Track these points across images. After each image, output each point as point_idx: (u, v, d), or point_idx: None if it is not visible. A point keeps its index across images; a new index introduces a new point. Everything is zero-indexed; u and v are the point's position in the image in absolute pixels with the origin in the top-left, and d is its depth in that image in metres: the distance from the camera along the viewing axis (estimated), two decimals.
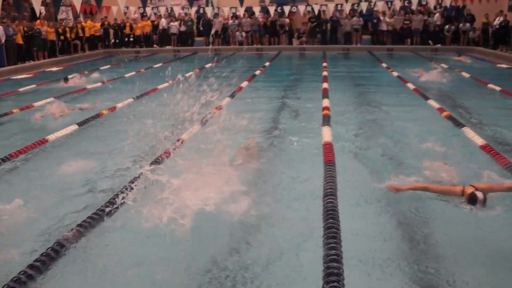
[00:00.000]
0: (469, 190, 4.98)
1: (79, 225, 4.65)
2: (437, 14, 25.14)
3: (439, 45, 24.78)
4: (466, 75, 15.20)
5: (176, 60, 23.49)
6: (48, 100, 11.70)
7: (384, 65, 18.65)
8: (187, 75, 15.48)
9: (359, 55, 23.81)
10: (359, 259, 4.13)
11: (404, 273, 3.94)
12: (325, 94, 11.74)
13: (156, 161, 6.63)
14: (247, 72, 16.97)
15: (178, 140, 7.62)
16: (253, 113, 9.80)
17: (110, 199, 5.32)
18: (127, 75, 17.13)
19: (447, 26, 25.00)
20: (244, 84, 13.87)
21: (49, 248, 4.23)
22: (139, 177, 5.84)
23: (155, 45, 27.84)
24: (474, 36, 24.33)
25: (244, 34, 27.17)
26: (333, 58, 22.07)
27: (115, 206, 5.10)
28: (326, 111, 9.56)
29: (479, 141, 7.32)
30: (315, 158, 6.80)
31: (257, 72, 16.56)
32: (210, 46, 26.93)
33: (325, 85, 13.06)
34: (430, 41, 25.22)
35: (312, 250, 4.23)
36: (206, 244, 4.43)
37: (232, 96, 11.78)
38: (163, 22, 27.64)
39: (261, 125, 8.77)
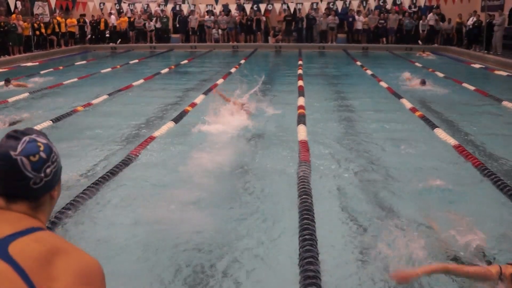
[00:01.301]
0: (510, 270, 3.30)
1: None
2: (431, 14, 25.04)
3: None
4: (440, 74, 15.31)
5: (151, 57, 23.34)
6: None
7: (358, 63, 18.72)
8: (163, 72, 15.47)
9: (335, 54, 23.87)
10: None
11: None
12: (301, 92, 11.75)
13: (128, 158, 6.55)
14: (223, 69, 16.91)
15: (149, 138, 7.56)
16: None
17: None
18: (103, 71, 16.94)
19: (421, 21, 25.24)
20: (220, 81, 13.80)
21: None
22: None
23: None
24: (448, 29, 24.66)
25: (220, 31, 27.09)
26: (309, 56, 22.11)
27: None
28: (301, 110, 9.57)
29: (452, 141, 7.31)
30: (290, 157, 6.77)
31: (233, 70, 16.47)
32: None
33: (300, 83, 13.07)
34: (419, 41, 25.26)
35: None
36: None
37: (206, 93, 11.73)
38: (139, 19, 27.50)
39: (236, 123, 8.69)
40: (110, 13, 27.59)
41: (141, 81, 14.21)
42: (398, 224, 4.56)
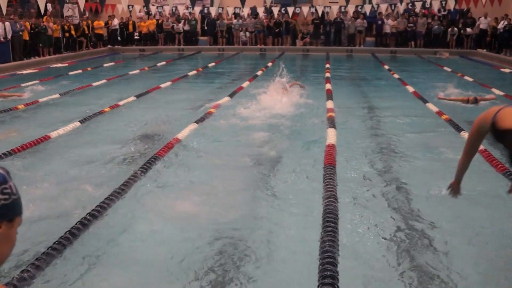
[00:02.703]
0: None
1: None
2: (482, 18, 24.10)
3: (444, 49, 24.62)
4: (469, 78, 15.10)
5: (179, 59, 23.47)
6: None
7: (386, 67, 18.56)
8: (190, 74, 15.55)
9: (362, 57, 23.74)
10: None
11: None
12: (329, 95, 11.70)
13: (153, 158, 6.60)
14: (250, 72, 16.92)
15: (174, 140, 7.60)
16: (255, 112, 9.89)
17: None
18: (130, 73, 17.10)
19: (450, 29, 24.88)
20: (245, 84, 13.81)
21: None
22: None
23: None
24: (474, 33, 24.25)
25: (248, 34, 27.14)
26: (337, 60, 22.03)
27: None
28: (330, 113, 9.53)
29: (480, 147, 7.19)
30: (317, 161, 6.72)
31: (259, 73, 16.47)
32: None
33: (328, 86, 13.02)
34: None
35: None
36: None
37: (231, 95, 11.76)
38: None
39: (262, 125, 8.72)
40: (139, 16, 27.91)
41: (169, 83, 14.30)
42: (424, 229, 4.49)
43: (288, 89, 11.36)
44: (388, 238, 4.40)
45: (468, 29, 24.51)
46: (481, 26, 23.88)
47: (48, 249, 4.00)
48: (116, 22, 27.34)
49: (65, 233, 4.29)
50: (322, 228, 4.31)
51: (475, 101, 10.69)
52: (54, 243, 4.11)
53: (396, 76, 15.80)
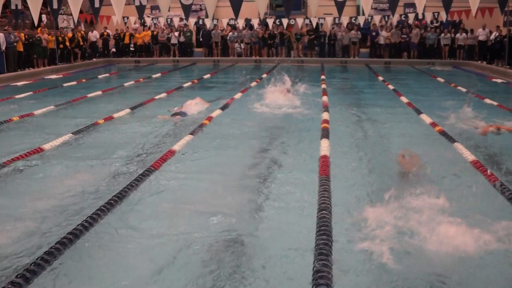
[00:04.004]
0: None
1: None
2: (480, 30, 23.75)
3: (438, 60, 24.71)
4: (462, 89, 15.12)
5: (174, 71, 23.47)
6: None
7: (380, 78, 18.58)
8: (185, 85, 15.55)
9: (357, 68, 23.78)
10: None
11: None
12: (325, 107, 11.69)
13: (148, 170, 6.55)
14: (243, 83, 16.91)
15: (169, 152, 7.55)
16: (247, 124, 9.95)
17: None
18: (126, 85, 17.07)
19: (443, 34, 24.97)
20: (238, 95, 13.79)
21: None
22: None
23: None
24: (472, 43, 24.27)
25: (243, 45, 27.17)
26: (331, 71, 22.06)
27: None
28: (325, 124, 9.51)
29: (471, 157, 7.18)
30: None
31: (252, 85, 16.44)
32: None
33: (324, 98, 13.00)
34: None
35: None
36: None
37: (223, 108, 11.74)
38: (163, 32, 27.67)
39: (253, 140, 8.71)
40: (134, 27, 27.94)
41: (164, 94, 14.26)
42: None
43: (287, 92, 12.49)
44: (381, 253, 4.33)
45: (459, 36, 24.51)
46: (480, 38, 23.65)
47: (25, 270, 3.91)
48: (109, 32, 27.42)
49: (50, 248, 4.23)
50: (316, 245, 4.23)
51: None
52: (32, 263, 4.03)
53: (390, 87, 15.80)
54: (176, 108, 11.37)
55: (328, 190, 5.62)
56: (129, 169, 6.96)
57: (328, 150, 7.49)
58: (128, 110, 11.56)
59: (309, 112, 11.34)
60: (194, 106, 11.46)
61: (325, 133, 8.72)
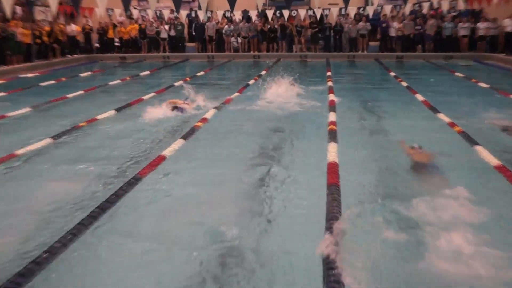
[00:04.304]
0: None
1: None
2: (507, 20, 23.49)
3: (456, 53, 24.56)
4: (484, 85, 15.02)
5: (164, 68, 23.44)
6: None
7: (392, 74, 18.51)
8: (177, 84, 15.51)
9: (366, 63, 23.75)
10: None
11: None
12: (332, 107, 11.62)
13: (136, 178, 6.49)
14: (241, 81, 16.84)
15: (158, 158, 7.48)
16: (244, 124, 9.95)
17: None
18: (111, 83, 16.99)
19: (460, 23, 24.84)
20: (235, 95, 13.72)
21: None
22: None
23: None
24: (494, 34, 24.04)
25: (240, 40, 27.16)
26: (338, 66, 22.04)
27: None
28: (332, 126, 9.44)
29: (494, 162, 7.13)
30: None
31: (250, 83, 16.41)
32: None
33: (331, 97, 12.93)
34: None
35: None
36: None
37: (218, 108, 11.70)
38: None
39: (252, 144, 8.64)
40: (120, 20, 27.86)
41: (153, 94, 14.18)
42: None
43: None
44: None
45: (481, 25, 24.31)
46: (508, 29, 23.07)
47: None
48: (92, 25, 27.38)
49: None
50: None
51: None
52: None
53: (404, 83, 15.72)
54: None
55: (337, 199, 5.56)
56: (114, 176, 6.88)
57: (336, 155, 7.42)
58: (113, 112, 11.47)
59: (315, 112, 11.27)
60: (186, 106, 11.46)
61: (333, 136, 8.66)
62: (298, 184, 6.49)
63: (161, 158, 7.49)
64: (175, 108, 11.15)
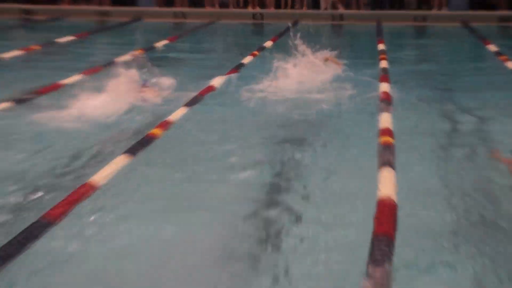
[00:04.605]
0: None
1: None
2: None
3: None
4: None
5: (100, 31, 23.61)
6: None
7: (492, 48, 18.40)
8: (119, 60, 15.54)
9: (446, 30, 23.84)
10: None
11: None
12: (386, 104, 11.50)
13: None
14: (230, 59, 16.79)
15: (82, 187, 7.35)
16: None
17: None
18: (5, 56, 16.90)
19: None
20: (220, 81, 13.62)
21: None
22: None
23: None
24: None
25: None
26: (397, 35, 22.06)
27: None
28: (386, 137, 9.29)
29: None
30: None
31: (246, 61, 16.40)
32: None
33: (384, 87, 12.82)
34: None
35: None
36: None
37: (190, 104, 11.57)
38: None
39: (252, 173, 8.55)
40: None
41: (79, 76, 14.06)
42: None
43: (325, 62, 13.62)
44: None
45: None
46: None
47: None
48: None
49: None
50: None
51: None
52: None
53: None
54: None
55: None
56: (6, 222, 6.76)
57: (393, 188, 7.26)
58: (7, 105, 11.46)
59: (357, 113, 11.29)
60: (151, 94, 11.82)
61: (387, 155, 8.49)
62: (327, 243, 6.35)
63: (87, 189, 7.34)
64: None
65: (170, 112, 10.96)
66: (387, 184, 7.40)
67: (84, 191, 7.27)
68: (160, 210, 7.20)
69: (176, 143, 9.52)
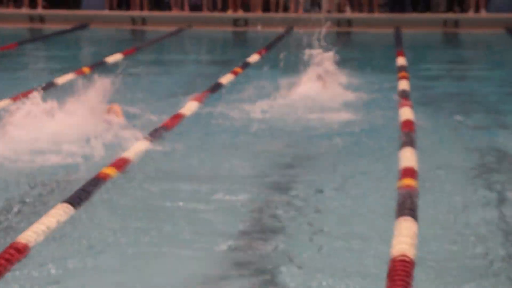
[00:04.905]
0: None
1: None
2: None
3: None
4: None
5: (33, 42, 23.69)
6: None
7: None
8: (60, 81, 15.67)
9: (484, 37, 23.82)
10: None
11: None
12: (408, 137, 11.52)
13: None
14: (203, 77, 16.83)
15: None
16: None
17: None
18: None
19: None
20: (188, 109, 13.61)
21: None
22: None
23: None
24: None
25: None
26: (420, 45, 22.08)
27: None
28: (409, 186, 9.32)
29: None
30: None
31: (225, 80, 16.32)
32: None
33: (406, 113, 12.86)
34: None
35: None
36: None
37: (151, 137, 11.57)
38: None
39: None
40: None
41: (5, 102, 14.10)
42: None
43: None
44: None
45: None
46: None
47: None
48: None
49: None
50: None
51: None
52: None
53: None
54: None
55: None
56: None
57: (411, 247, 7.30)
58: None
59: (370, 146, 11.33)
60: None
61: (408, 203, 8.53)
62: None
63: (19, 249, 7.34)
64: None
65: (125, 150, 10.99)
66: (405, 242, 7.44)
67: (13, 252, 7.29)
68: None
69: (130, 188, 9.49)
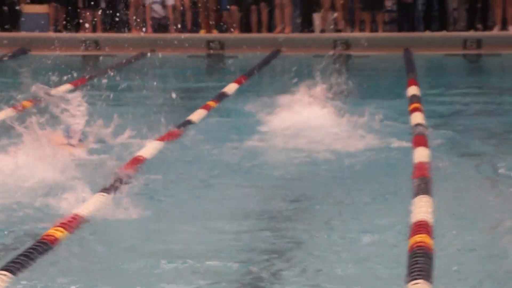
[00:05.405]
0: None
1: None
2: None
3: None
4: None
5: None
6: None
7: None
8: None
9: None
10: None
11: None
12: (424, 183, 11.30)
13: None
14: (170, 115, 16.71)
15: None
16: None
17: None
18: None
19: None
20: (147, 151, 13.42)
21: None
22: None
23: None
24: None
25: (172, 1, 27.38)
26: (437, 68, 21.99)
27: None
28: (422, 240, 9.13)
29: None
30: None
31: (195, 117, 16.15)
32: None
33: (421, 154, 12.67)
34: None
35: None
36: None
37: (105, 190, 11.35)
38: None
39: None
40: None
41: None
42: None
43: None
44: None
45: None
46: None
47: None
48: None
49: None
50: None
51: None
52: None
53: None
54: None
55: None
56: None
57: None
58: None
59: (379, 193, 11.21)
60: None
61: (425, 265, 8.34)
62: None
63: None
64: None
65: (78, 203, 10.81)
66: None
67: None
68: None
69: (87, 250, 9.29)
